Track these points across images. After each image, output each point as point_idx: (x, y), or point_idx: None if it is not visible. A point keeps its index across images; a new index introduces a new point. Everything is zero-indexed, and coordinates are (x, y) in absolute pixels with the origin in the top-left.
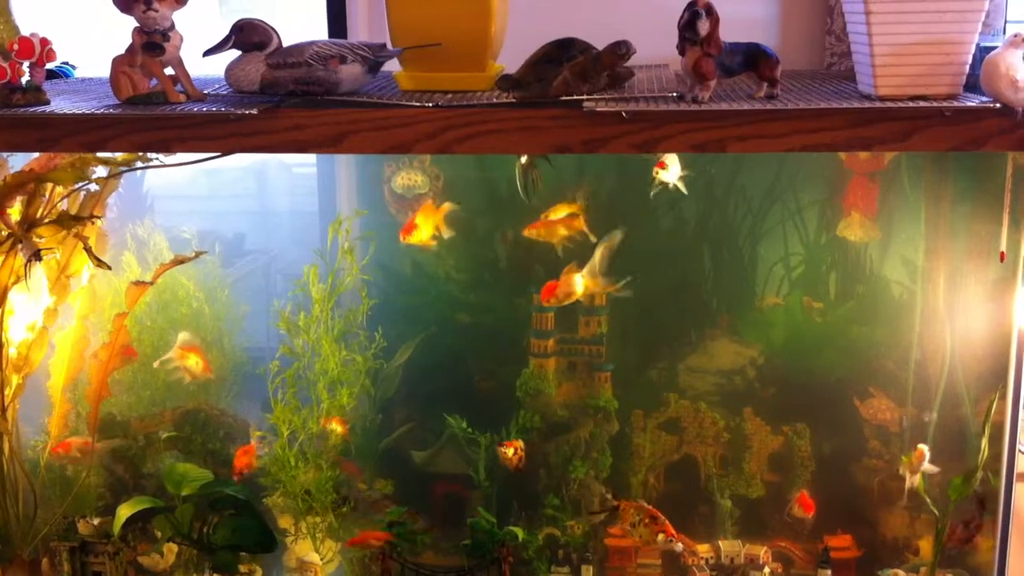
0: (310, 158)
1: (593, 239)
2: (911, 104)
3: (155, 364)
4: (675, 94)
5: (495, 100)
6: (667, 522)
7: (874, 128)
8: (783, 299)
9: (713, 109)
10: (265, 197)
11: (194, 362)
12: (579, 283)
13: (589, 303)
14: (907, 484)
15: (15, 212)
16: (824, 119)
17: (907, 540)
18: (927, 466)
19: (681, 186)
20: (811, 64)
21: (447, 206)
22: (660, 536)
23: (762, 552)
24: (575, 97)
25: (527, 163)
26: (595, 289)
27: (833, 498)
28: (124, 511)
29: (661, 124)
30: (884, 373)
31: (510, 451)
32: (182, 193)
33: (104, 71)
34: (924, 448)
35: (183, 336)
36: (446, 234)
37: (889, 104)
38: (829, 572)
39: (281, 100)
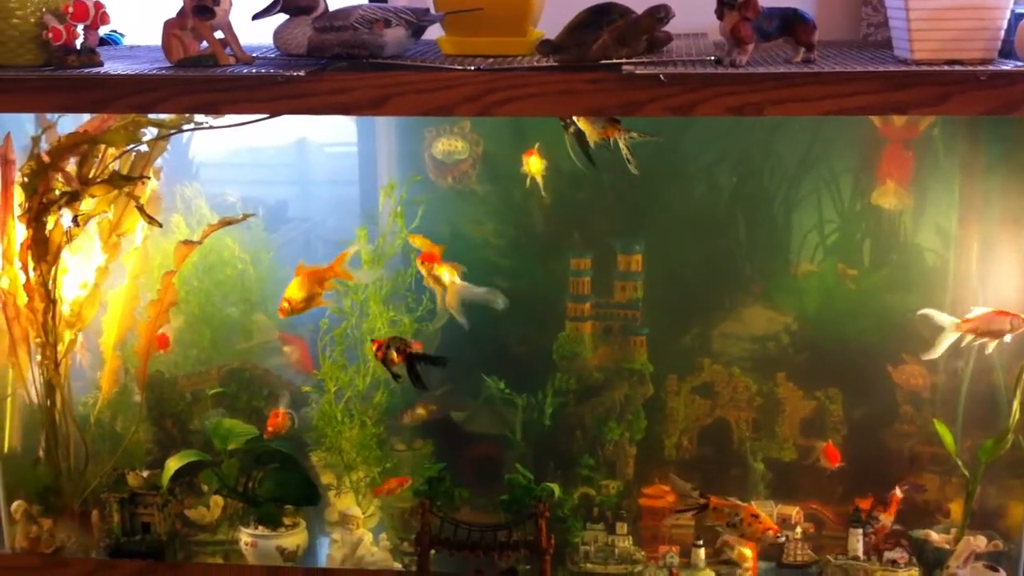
0: (344, 136)
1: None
2: (946, 68)
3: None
4: (712, 58)
5: (535, 64)
6: (768, 517)
7: (909, 92)
8: (817, 266)
9: (750, 72)
10: (305, 165)
11: (290, 351)
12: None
13: (625, 268)
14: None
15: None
16: (859, 83)
17: (937, 503)
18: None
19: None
20: (847, 34)
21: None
22: (768, 533)
23: (794, 512)
24: (613, 61)
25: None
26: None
27: (864, 462)
28: (173, 464)
29: (698, 87)
30: (917, 339)
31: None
32: (226, 161)
33: (150, 40)
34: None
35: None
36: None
37: (924, 68)
38: (860, 531)
39: (327, 63)
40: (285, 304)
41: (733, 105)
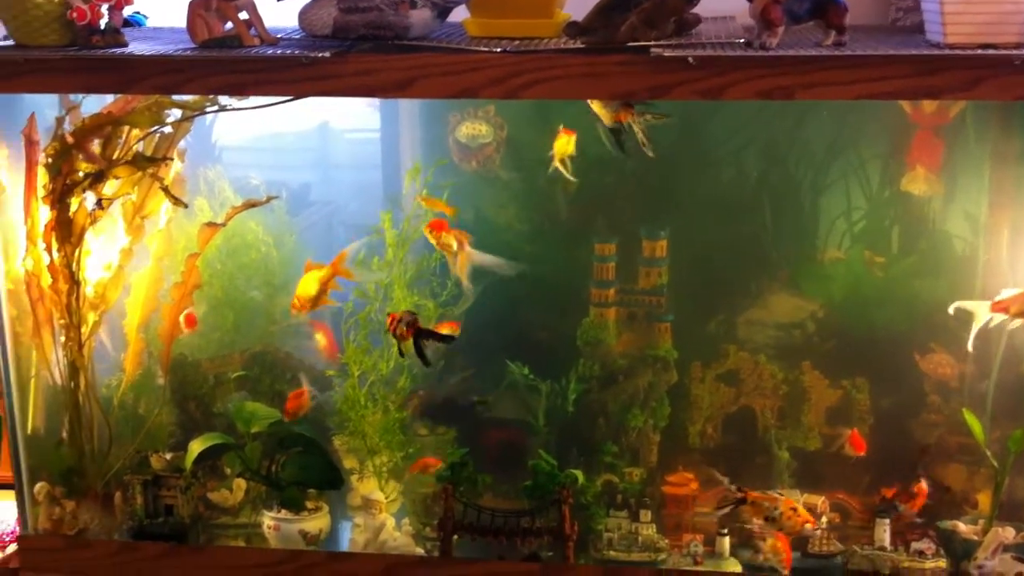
0: (364, 122)
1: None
2: (980, 52)
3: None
4: (742, 40)
5: (562, 46)
6: (807, 511)
7: (942, 76)
8: (845, 253)
9: (780, 55)
10: (327, 150)
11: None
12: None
13: (650, 254)
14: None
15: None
16: (891, 66)
17: (965, 493)
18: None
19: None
20: (876, 19)
21: None
22: (807, 526)
23: (820, 502)
24: (641, 43)
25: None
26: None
27: (891, 452)
28: (196, 446)
29: (727, 70)
30: (945, 328)
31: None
32: (248, 145)
33: (172, 22)
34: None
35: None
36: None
37: (958, 52)
38: (887, 522)
39: (352, 44)
40: (296, 302)
41: (763, 89)
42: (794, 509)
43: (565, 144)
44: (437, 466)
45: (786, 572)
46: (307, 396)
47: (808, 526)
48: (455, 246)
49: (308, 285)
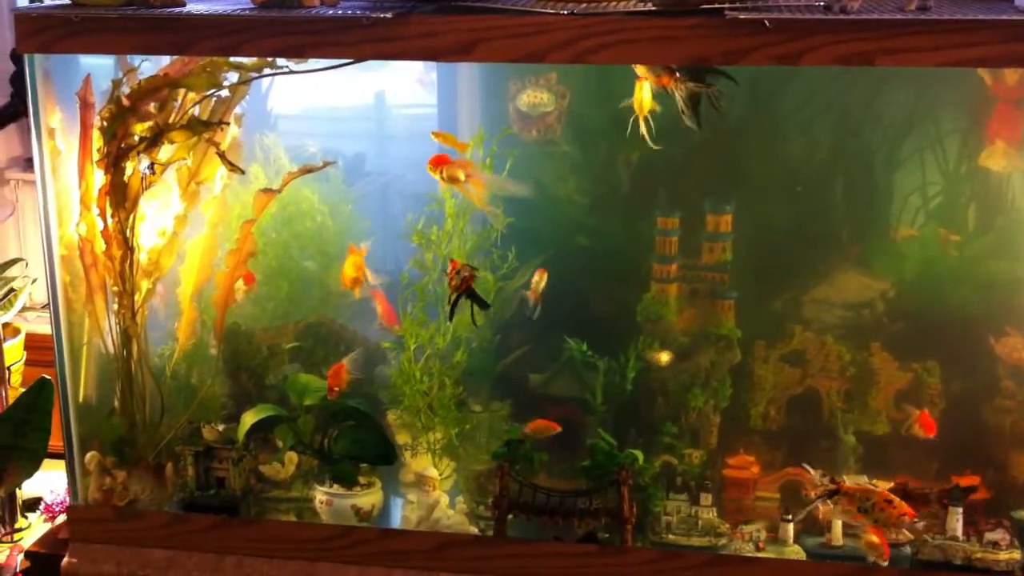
0: (419, 97)
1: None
2: None
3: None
4: (822, 3)
5: (632, 8)
6: (903, 502)
7: None
8: (918, 230)
9: (862, 18)
10: (383, 119)
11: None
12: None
13: (714, 229)
14: None
15: (144, 125)
16: (979, 32)
17: None
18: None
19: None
20: None
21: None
22: (904, 518)
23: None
24: (716, 5)
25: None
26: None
27: (963, 438)
28: (249, 418)
29: (805, 35)
30: (1022, 311)
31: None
32: (304, 114)
33: None
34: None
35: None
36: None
37: None
38: (960, 510)
39: (414, 5)
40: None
41: (842, 54)
42: (889, 501)
43: (645, 99)
44: (555, 429)
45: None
46: (344, 371)
47: (906, 518)
48: (463, 177)
49: (347, 269)
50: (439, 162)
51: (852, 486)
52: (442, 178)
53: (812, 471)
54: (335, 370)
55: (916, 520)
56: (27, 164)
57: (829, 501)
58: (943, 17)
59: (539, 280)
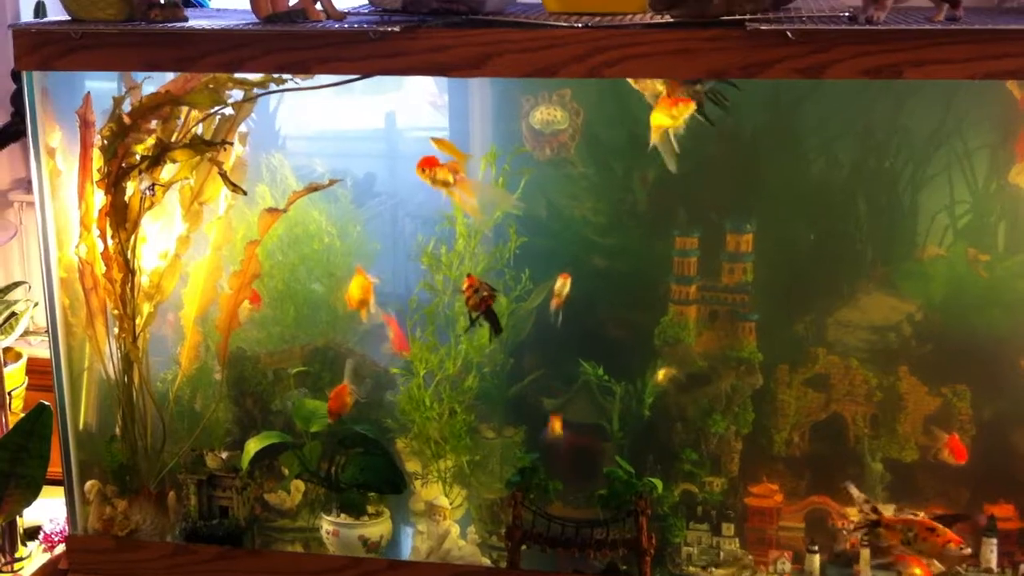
0: (430, 120)
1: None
2: None
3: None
4: (846, 14)
5: (649, 21)
6: (947, 529)
7: None
8: (946, 250)
9: (888, 29)
10: (393, 139)
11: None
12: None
13: (735, 248)
14: None
15: (145, 144)
16: (1011, 43)
17: None
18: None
19: None
20: (983, 0)
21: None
22: (950, 545)
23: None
24: (737, 17)
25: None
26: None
27: (995, 465)
28: (253, 445)
29: (829, 46)
30: None
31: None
32: (311, 134)
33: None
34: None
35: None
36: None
37: None
38: (995, 541)
39: (423, 19)
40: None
41: (868, 67)
42: (931, 529)
43: (678, 113)
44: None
45: None
46: (347, 393)
47: (952, 546)
48: (452, 180)
49: (354, 290)
50: (428, 164)
51: (892, 517)
52: (431, 180)
53: (856, 492)
54: (337, 392)
55: (963, 545)
56: (31, 185)
57: (870, 534)
58: (973, 27)
59: (563, 285)
